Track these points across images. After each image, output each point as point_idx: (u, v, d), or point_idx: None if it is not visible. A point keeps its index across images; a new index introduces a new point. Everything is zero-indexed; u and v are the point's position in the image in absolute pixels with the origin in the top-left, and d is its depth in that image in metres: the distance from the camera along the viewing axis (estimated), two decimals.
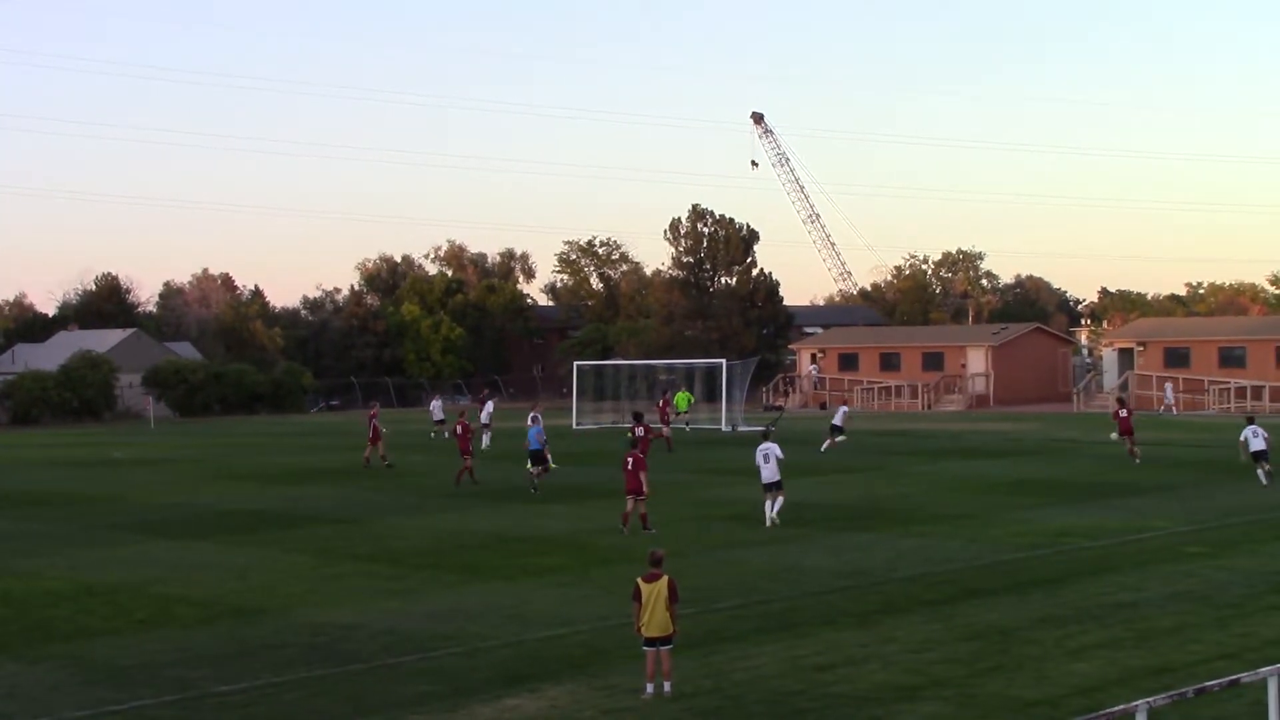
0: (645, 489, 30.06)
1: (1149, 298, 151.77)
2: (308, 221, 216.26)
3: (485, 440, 54.04)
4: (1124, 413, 45.05)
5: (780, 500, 31.39)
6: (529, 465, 38.92)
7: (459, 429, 42.02)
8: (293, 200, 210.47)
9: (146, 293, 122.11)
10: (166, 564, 27.07)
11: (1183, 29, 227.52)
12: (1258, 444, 37.62)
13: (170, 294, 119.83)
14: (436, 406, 65.61)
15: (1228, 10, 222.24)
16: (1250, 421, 38.83)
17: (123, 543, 30.14)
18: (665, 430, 52.50)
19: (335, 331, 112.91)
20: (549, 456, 39.57)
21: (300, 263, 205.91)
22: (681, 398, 63.82)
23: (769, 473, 31.16)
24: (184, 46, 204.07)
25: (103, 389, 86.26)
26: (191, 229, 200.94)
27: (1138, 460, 43.40)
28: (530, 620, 21.06)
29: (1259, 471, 37.29)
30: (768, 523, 31.10)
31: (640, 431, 41.60)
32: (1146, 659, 17.85)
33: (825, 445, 49.46)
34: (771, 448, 31.24)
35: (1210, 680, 12.98)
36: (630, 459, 30.45)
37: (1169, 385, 74.05)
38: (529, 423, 43.84)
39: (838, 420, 50.75)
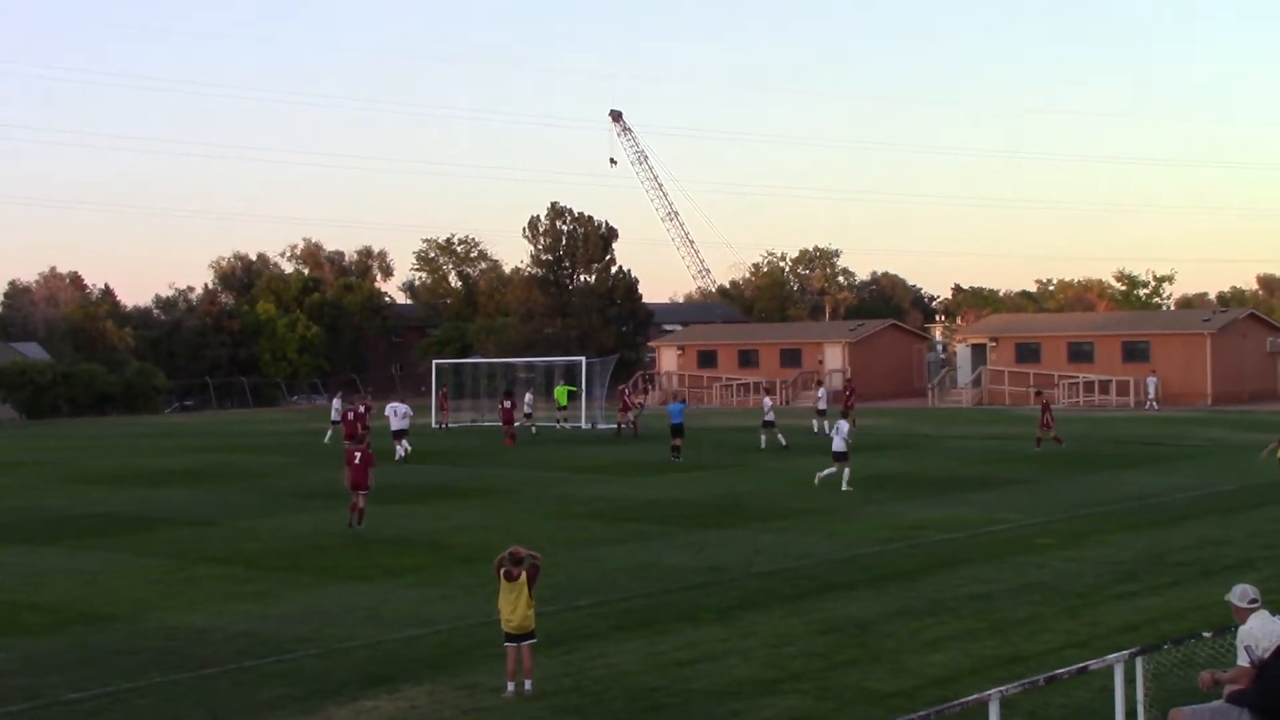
0: (370, 484, 30.23)
1: (1001, 294, 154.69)
2: (160, 219, 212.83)
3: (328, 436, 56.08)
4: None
5: (847, 470, 36.28)
6: (673, 439, 46.04)
7: (350, 414, 47.26)
8: (144, 197, 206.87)
9: None
10: (12, 570, 26.35)
11: (1030, 29, 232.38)
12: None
13: (16, 293, 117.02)
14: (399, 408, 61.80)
15: (1073, 10, 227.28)
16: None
17: None
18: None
19: (189, 331, 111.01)
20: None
21: (152, 261, 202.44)
22: (561, 391, 63.99)
23: (839, 444, 36.61)
24: (33, 41, 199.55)
25: None
26: (38, 226, 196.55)
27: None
28: (389, 621, 20.87)
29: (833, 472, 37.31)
30: (816, 481, 36.59)
31: (508, 404, 54.47)
32: (1000, 649, 18.18)
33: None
34: (841, 425, 37.45)
35: (1060, 669, 13.23)
36: (358, 453, 30.38)
37: (1151, 380, 74.16)
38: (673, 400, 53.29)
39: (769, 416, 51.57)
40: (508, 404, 55.80)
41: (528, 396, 63.01)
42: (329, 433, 56.48)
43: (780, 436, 49.90)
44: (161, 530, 31.36)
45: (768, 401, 52.90)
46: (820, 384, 65.46)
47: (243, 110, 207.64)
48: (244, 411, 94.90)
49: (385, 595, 23.03)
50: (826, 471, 36.79)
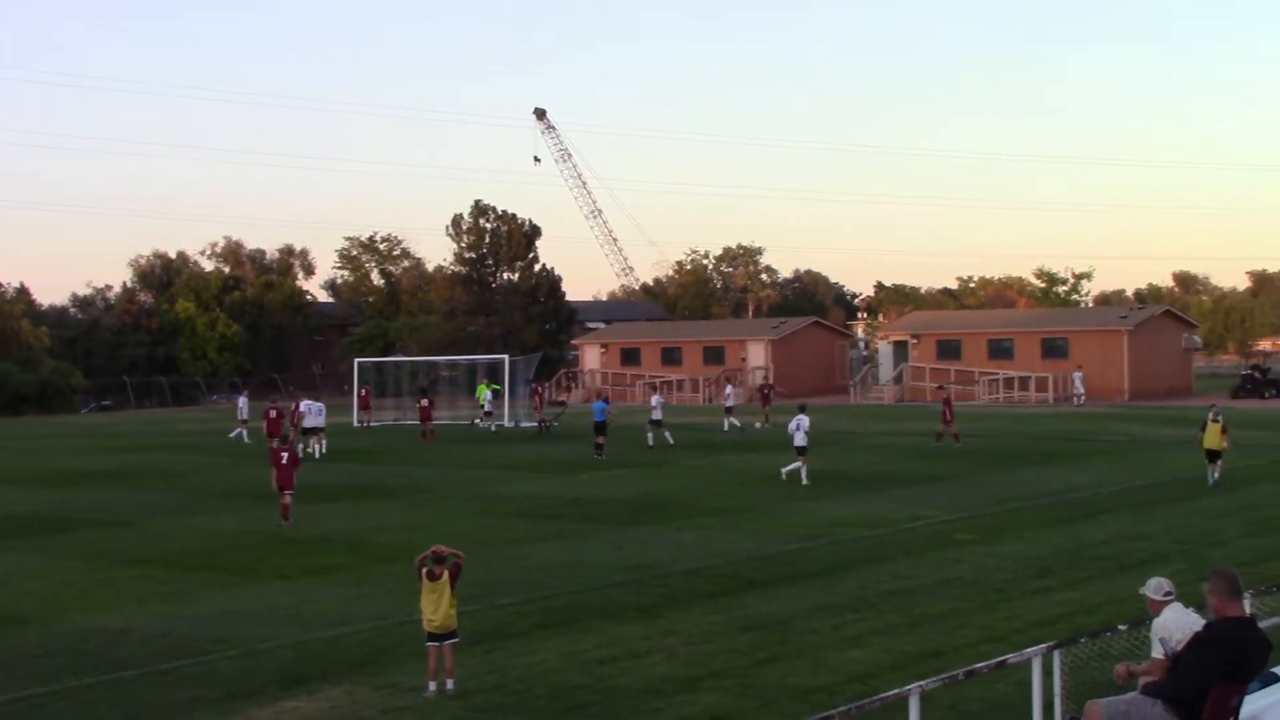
0: (294, 484, 31.30)
1: (922, 291, 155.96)
2: (77, 217, 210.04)
3: (245, 435, 56.23)
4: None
5: (804, 466, 36.98)
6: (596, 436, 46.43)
7: (274, 412, 49.07)
8: (61, 195, 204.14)
9: None
10: None
11: (949, 28, 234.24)
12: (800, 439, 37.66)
13: None
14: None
15: (990, 9, 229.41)
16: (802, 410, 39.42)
17: None
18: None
19: (106, 330, 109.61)
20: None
21: (69, 259, 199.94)
22: (482, 390, 64.06)
23: (800, 439, 37.16)
24: None
25: None
26: None
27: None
28: (310, 620, 20.70)
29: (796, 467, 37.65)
30: (783, 475, 37.32)
31: (425, 403, 55.49)
32: (920, 644, 18.29)
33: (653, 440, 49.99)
34: (803, 420, 37.50)
35: (979, 663, 13.32)
36: (285, 453, 31.59)
37: (1077, 375, 74.42)
38: (595, 399, 53.25)
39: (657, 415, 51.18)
40: (424, 402, 56.92)
41: (488, 394, 63.35)
42: (243, 432, 56.00)
43: (667, 435, 50.06)
44: (78, 531, 30.95)
45: (656, 399, 52.90)
46: (729, 381, 65.97)
47: (162, 106, 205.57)
48: (163, 411, 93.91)
49: (306, 595, 22.85)
50: (791, 466, 37.46)
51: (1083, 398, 72.92)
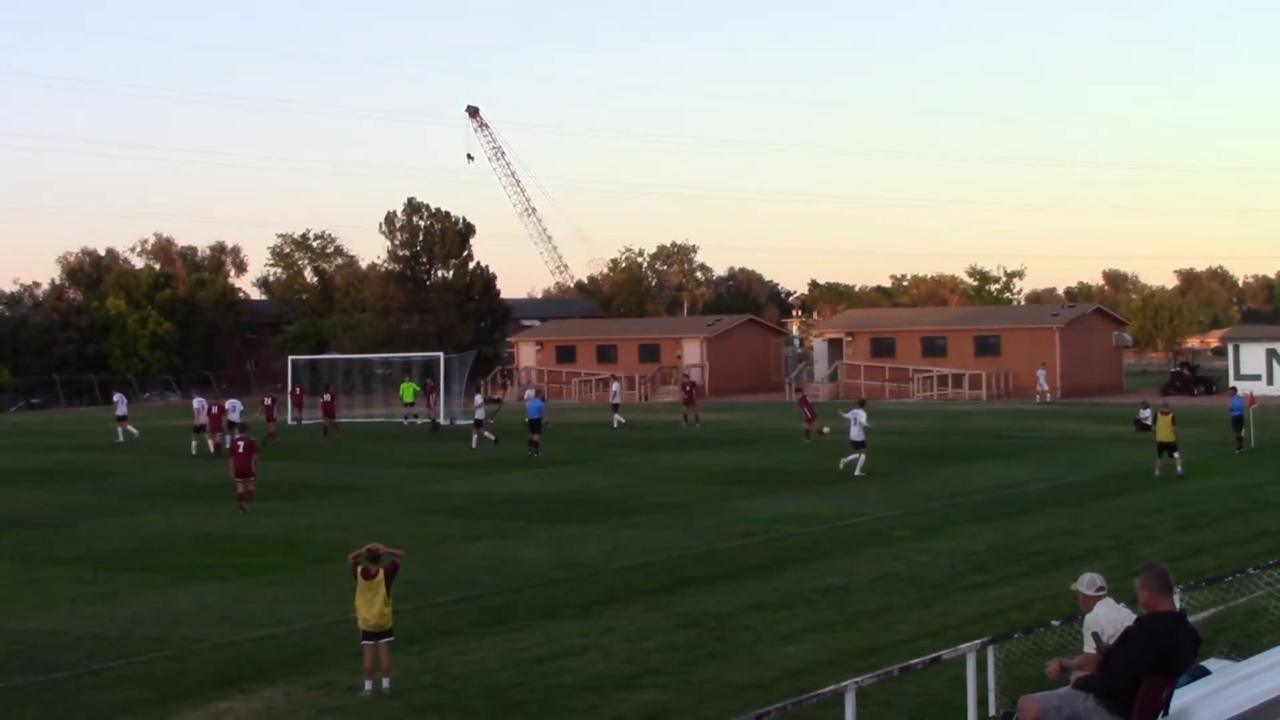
0: (254, 470, 33.03)
1: (856, 289, 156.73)
2: (2, 213, 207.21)
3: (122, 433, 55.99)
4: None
5: (863, 457, 38.13)
6: (530, 434, 46.37)
7: (215, 409, 49.91)
8: None
9: None
10: None
11: (882, 28, 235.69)
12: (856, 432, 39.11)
13: None
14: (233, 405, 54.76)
15: (925, 8, 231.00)
16: (861, 405, 41.81)
17: None
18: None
19: (35, 327, 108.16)
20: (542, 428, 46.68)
21: None
22: (406, 388, 63.88)
23: (856, 432, 38.53)
24: None
25: None
26: None
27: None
28: (244, 621, 20.58)
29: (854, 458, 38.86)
30: (859, 471, 37.74)
31: (328, 397, 56.42)
32: (856, 640, 18.39)
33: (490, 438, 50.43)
34: (859, 414, 39.08)
35: (914, 659, 13.40)
36: (242, 442, 33.25)
37: (1041, 372, 74.20)
38: (532, 396, 52.03)
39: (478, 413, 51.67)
40: (327, 397, 57.94)
41: (477, 398, 63.16)
42: (122, 432, 55.41)
43: (490, 435, 50.26)
44: (6, 532, 30.59)
45: (478, 399, 53.45)
46: (615, 380, 66.25)
47: (90, 102, 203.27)
48: (94, 409, 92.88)
49: (240, 595, 22.71)
50: (850, 458, 38.48)
51: (1047, 394, 73.01)
